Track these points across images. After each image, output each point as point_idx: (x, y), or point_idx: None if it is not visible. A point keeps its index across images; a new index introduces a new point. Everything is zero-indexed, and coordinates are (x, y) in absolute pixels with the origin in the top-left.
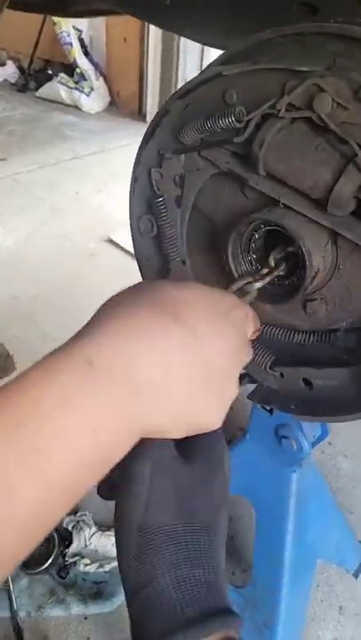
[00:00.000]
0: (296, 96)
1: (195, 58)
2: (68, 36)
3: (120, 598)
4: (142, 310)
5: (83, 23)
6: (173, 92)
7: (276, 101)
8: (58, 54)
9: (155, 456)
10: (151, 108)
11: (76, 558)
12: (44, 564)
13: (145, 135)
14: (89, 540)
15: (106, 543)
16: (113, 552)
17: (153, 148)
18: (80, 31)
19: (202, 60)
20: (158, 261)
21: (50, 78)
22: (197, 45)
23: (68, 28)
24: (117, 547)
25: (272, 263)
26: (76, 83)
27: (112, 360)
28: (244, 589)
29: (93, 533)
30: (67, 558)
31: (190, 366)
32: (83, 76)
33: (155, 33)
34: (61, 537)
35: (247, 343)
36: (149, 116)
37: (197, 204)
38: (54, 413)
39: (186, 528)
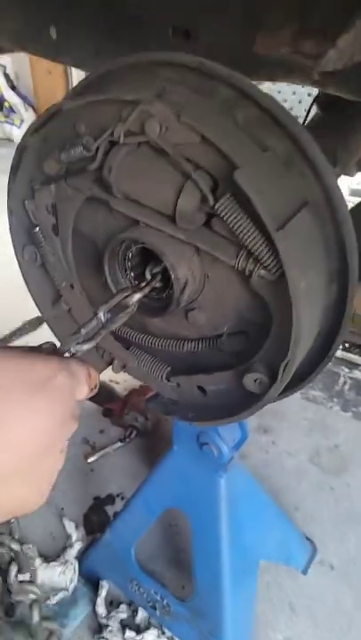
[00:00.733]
0: (131, 123)
1: None
2: None
3: (71, 628)
4: None
5: (5, 58)
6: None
7: (113, 129)
8: None
9: None
10: None
11: (21, 596)
12: None
13: (11, 169)
14: (35, 573)
15: (52, 574)
16: (60, 583)
17: (23, 180)
18: (4, 67)
19: None
20: (49, 288)
21: None
22: None
23: None
24: None
25: (148, 276)
26: (6, 116)
27: None
28: (188, 601)
29: (38, 566)
30: (12, 596)
31: None
32: (12, 110)
33: None
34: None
35: (71, 411)
36: None
37: (78, 229)
38: None
39: None
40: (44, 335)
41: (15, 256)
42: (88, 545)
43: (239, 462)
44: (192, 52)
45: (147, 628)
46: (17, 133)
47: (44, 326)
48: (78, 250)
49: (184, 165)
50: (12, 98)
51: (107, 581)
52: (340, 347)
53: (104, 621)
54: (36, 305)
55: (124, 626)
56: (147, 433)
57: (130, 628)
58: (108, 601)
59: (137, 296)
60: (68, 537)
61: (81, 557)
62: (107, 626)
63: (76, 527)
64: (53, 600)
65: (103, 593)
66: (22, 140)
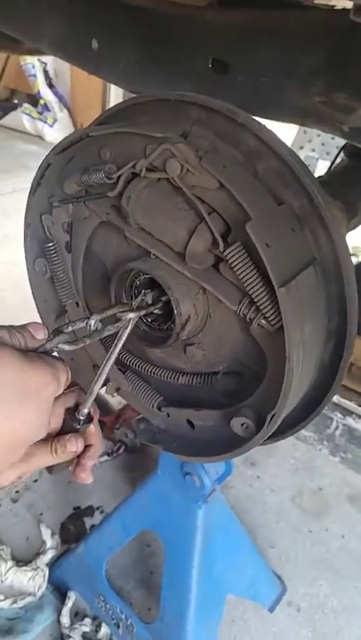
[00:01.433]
0: (154, 159)
1: None
2: (33, 67)
3: (32, 634)
4: None
5: (48, 56)
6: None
7: (136, 162)
8: (23, 85)
9: None
10: None
11: None
12: None
13: (32, 185)
14: (5, 574)
15: (22, 578)
16: (29, 587)
17: (43, 195)
18: (45, 64)
19: None
20: (54, 302)
21: (15, 108)
22: None
23: (33, 60)
24: None
25: (149, 301)
26: (40, 113)
27: None
28: (152, 625)
29: (10, 568)
30: None
31: None
32: (46, 107)
33: None
34: None
35: (47, 420)
36: None
37: (91, 248)
38: None
39: None
40: None
41: (26, 266)
42: (61, 554)
43: (220, 495)
44: (229, 86)
45: None
46: (48, 132)
47: None
48: (88, 268)
49: (199, 207)
50: (48, 96)
51: (74, 592)
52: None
53: (67, 632)
54: (40, 316)
55: (86, 639)
56: (135, 450)
57: None
58: (73, 612)
59: (132, 315)
60: (43, 543)
61: (52, 565)
62: (69, 637)
63: (52, 535)
64: (20, 604)
65: (69, 604)
66: (47, 157)
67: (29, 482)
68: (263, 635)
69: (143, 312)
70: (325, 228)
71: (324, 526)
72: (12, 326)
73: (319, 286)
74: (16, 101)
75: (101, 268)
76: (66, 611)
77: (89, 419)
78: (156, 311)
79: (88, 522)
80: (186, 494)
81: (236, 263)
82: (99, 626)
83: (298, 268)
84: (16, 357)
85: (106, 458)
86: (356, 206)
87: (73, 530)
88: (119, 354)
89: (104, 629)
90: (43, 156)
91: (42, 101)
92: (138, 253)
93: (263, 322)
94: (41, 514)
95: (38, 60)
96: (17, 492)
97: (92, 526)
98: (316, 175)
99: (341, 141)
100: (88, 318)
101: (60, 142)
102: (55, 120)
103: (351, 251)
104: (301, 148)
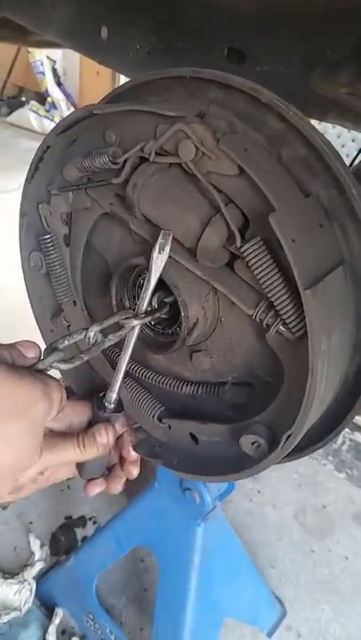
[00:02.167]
0: (165, 140)
1: None
2: (42, 65)
3: None
4: None
5: (57, 54)
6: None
7: (145, 144)
8: (31, 82)
9: None
10: None
11: None
12: None
13: (29, 170)
14: None
15: (8, 592)
16: (14, 602)
17: (41, 181)
18: (54, 61)
19: None
20: (50, 300)
21: (22, 105)
22: None
23: (42, 57)
24: None
25: (155, 305)
26: (47, 111)
27: None
28: None
29: None
30: None
31: None
32: (54, 106)
33: None
34: None
35: (39, 443)
36: None
37: (91, 242)
38: None
39: None
40: None
41: (20, 261)
42: (50, 566)
43: (220, 512)
44: (245, 77)
45: None
46: None
47: None
48: (87, 264)
49: (215, 196)
50: (56, 94)
51: (62, 609)
52: None
53: None
54: (34, 315)
55: None
56: None
57: None
58: (60, 630)
59: (136, 322)
60: (32, 554)
61: (40, 578)
62: None
63: (41, 546)
64: (4, 619)
65: (57, 621)
66: (47, 138)
67: None
68: None
69: (148, 319)
70: (357, 224)
71: (327, 546)
72: None
73: (348, 291)
74: (23, 98)
75: (102, 264)
76: (53, 629)
77: (118, 408)
78: (163, 315)
79: (80, 533)
80: (185, 511)
81: (254, 261)
82: None
83: (325, 268)
84: (5, 376)
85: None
86: None
87: (63, 541)
88: (115, 358)
89: None
90: None
91: (49, 99)
92: (143, 248)
93: (282, 328)
94: (31, 522)
95: (47, 57)
96: None
97: (84, 538)
98: None
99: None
100: (86, 330)
101: (62, 121)
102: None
103: None
104: None
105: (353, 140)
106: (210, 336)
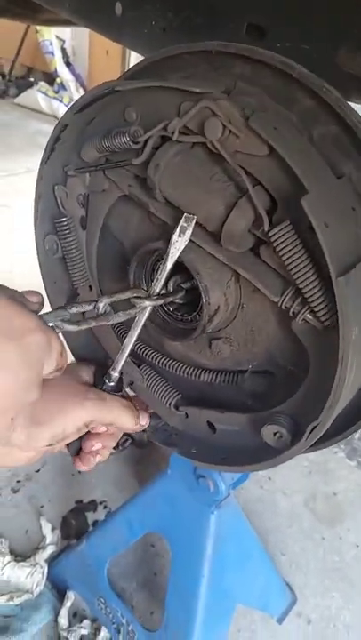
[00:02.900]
0: (189, 118)
1: None
2: (50, 44)
3: (28, 634)
4: None
5: (66, 33)
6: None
7: (168, 123)
8: (40, 62)
9: None
10: None
11: None
12: None
13: (45, 150)
14: (2, 569)
15: (20, 574)
16: (26, 584)
17: (57, 162)
18: (63, 41)
19: None
20: (65, 284)
21: (30, 85)
22: None
23: (51, 36)
24: None
25: (171, 288)
26: (56, 92)
27: None
28: (155, 633)
29: (7, 563)
30: None
31: None
32: (63, 86)
33: None
34: None
35: (37, 378)
36: None
37: (108, 225)
38: None
39: None
40: None
41: (35, 244)
42: (61, 550)
43: (233, 499)
44: None
45: None
46: (64, 111)
47: None
48: (103, 248)
49: (243, 178)
50: (65, 74)
51: (74, 592)
52: None
53: (64, 634)
54: (49, 299)
55: None
56: (142, 445)
57: None
58: (71, 612)
59: (147, 303)
60: (43, 538)
61: (52, 562)
62: (66, 639)
63: (53, 529)
64: (16, 601)
65: (68, 604)
66: (64, 116)
67: (31, 471)
68: None
69: (161, 301)
70: None
71: (338, 534)
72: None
73: None
74: (32, 79)
75: (119, 248)
76: (64, 611)
77: (119, 386)
78: (177, 300)
79: (90, 517)
80: (198, 498)
81: (283, 246)
82: (98, 629)
83: (358, 254)
84: None
85: (111, 451)
86: None
87: (74, 525)
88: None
89: (103, 633)
90: None
91: (58, 80)
92: (163, 232)
93: (310, 317)
94: (42, 506)
95: (56, 37)
96: (18, 481)
97: (95, 522)
98: None
99: None
100: (96, 301)
101: (80, 99)
102: (71, 99)
103: None
104: None
105: None
106: (230, 323)
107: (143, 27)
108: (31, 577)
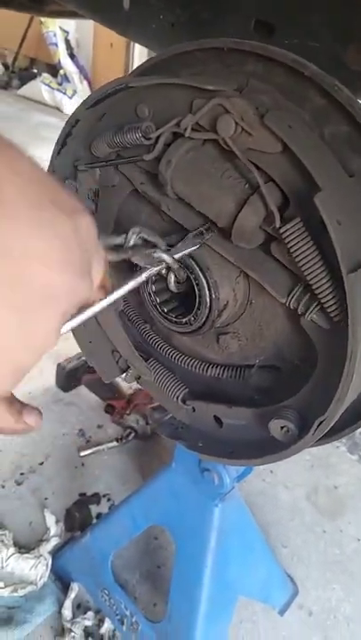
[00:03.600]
0: (202, 115)
1: None
2: (54, 36)
3: (32, 625)
4: None
5: (70, 25)
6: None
7: (181, 119)
8: (43, 54)
9: None
10: None
11: None
12: None
13: (56, 144)
14: (6, 561)
15: (24, 566)
16: (30, 576)
17: (68, 156)
18: (67, 32)
19: None
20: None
21: (34, 77)
22: None
23: (55, 28)
24: None
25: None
26: (60, 84)
27: None
28: (158, 624)
29: (11, 555)
30: None
31: None
32: (66, 78)
33: None
34: None
35: (88, 269)
36: None
37: (118, 219)
38: None
39: None
40: None
41: None
42: (65, 542)
43: (237, 492)
44: None
45: None
46: (67, 104)
47: None
48: None
49: (255, 174)
50: (68, 66)
51: (77, 584)
52: None
53: (68, 625)
54: None
55: (88, 634)
56: (145, 438)
57: (93, 638)
58: (75, 604)
59: (166, 257)
60: (47, 530)
61: (55, 554)
62: (70, 631)
63: (57, 522)
64: (21, 592)
65: (72, 595)
66: (76, 111)
67: (35, 464)
68: (272, 638)
69: (177, 265)
70: None
71: (338, 527)
72: None
73: None
74: (35, 71)
75: None
76: (68, 603)
77: None
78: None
79: (94, 510)
80: (202, 491)
81: (294, 243)
82: (102, 620)
83: None
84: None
85: (115, 444)
86: None
87: (78, 517)
88: (143, 334)
89: (107, 624)
90: (60, 128)
91: (62, 72)
92: (172, 228)
93: (319, 313)
94: (46, 498)
95: (60, 28)
96: (22, 473)
97: (99, 514)
98: None
99: None
100: (127, 233)
101: (93, 94)
102: (75, 92)
103: None
104: None
105: None
106: (238, 318)
107: (151, 21)
108: (35, 569)
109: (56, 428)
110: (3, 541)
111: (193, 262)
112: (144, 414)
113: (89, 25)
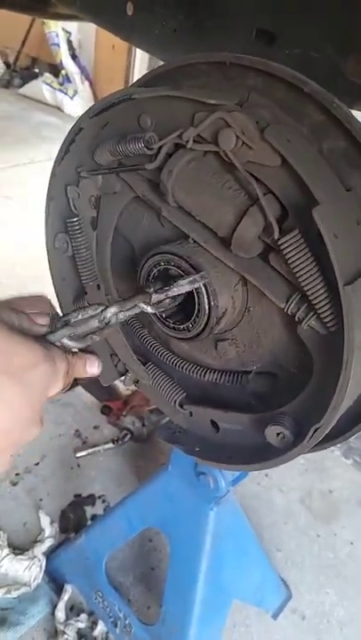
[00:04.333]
0: (204, 128)
1: None
2: (57, 36)
3: (26, 627)
4: None
5: (72, 26)
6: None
7: (183, 131)
8: (45, 53)
9: None
10: None
11: None
12: None
13: (59, 151)
14: (0, 562)
15: (18, 567)
16: (24, 577)
17: (70, 163)
18: (69, 33)
19: None
20: (74, 282)
21: (35, 77)
22: None
23: (57, 28)
24: None
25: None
26: (61, 84)
27: None
28: (152, 627)
29: (5, 556)
30: None
31: None
32: (68, 79)
33: None
34: None
35: (38, 413)
36: None
37: (118, 226)
38: None
39: None
40: None
41: (45, 242)
42: (60, 543)
43: (232, 496)
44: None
45: None
46: (68, 104)
47: None
48: (112, 248)
49: (255, 186)
50: (70, 67)
51: (71, 586)
52: None
53: (61, 627)
54: (57, 297)
55: (81, 636)
56: (141, 439)
57: None
58: (68, 606)
59: (150, 310)
60: (41, 531)
61: (50, 555)
62: (63, 632)
63: (51, 523)
64: (14, 594)
65: (66, 597)
66: (80, 120)
67: (30, 464)
68: None
69: (162, 309)
70: None
71: (332, 531)
72: (8, 300)
73: None
74: (37, 70)
75: (127, 249)
76: (62, 605)
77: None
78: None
79: (89, 511)
80: (198, 494)
81: (292, 254)
82: (95, 623)
83: None
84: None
85: (110, 445)
86: None
87: (73, 518)
88: (141, 338)
89: (100, 627)
90: (61, 128)
91: (63, 72)
92: (171, 235)
93: (315, 323)
94: (41, 499)
95: (63, 29)
96: (17, 474)
97: (93, 516)
98: None
99: None
100: (105, 308)
101: (97, 104)
102: (76, 92)
103: None
104: None
105: None
106: (237, 325)
107: (154, 27)
108: (29, 570)
109: (52, 429)
110: None
111: (193, 271)
112: (140, 416)
113: (91, 26)
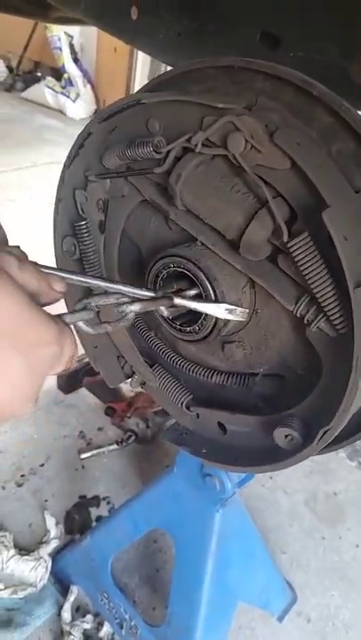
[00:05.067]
0: (212, 132)
1: None
2: (59, 40)
3: (32, 627)
4: None
5: (74, 29)
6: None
7: (192, 135)
8: (47, 57)
9: None
10: None
11: None
12: None
13: (68, 156)
14: (6, 562)
15: (24, 568)
16: (30, 578)
17: (78, 168)
18: (71, 37)
19: None
20: (81, 286)
21: (37, 80)
22: None
23: (60, 32)
24: None
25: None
26: (63, 88)
27: None
28: (157, 628)
29: (11, 556)
30: None
31: None
32: (70, 82)
33: None
34: None
35: (37, 391)
36: None
37: (125, 229)
38: None
39: None
40: None
41: (53, 245)
42: (65, 544)
43: (238, 498)
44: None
45: None
46: (70, 107)
47: None
48: (120, 251)
49: (264, 190)
50: (72, 70)
51: (77, 587)
52: None
53: (67, 628)
54: (65, 302)
55: (87, 637)
56: (145, 441)
57: None
58: (74, 607)
59: (166, 314)
60: (47, 532)
61: (55, 556)
62: (69, 633)
63: (57, 524)
64: (20, 594)
65: (71, 598)
66: (88, 125)
67: (36, 466)
68: None
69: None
70: None
71: (338, 533)
72: (27, 259)
73: None
74: (39, 74)
75: (134, 252)
76: (68, 606)
77: None
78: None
79: (94, 512)
80: (204, 496)
81: (301, 257)
82: (101, 624)
83: None
84: (18, 295)
85: (115, 446)
86: None
87: (78, 520)
88: (148, 341)
89: (106, 628)
90: (63, 131)
91: (66, 75)
92: (179, 238)
93: (325, 324)
94: (46, 500)
95: (65, 33)
96: (22, 475)
97: (98, 517)
98: None
99: None
100: (126, 303)
101: (105, 109)
102: (78, 95)
103: None
104: None
105: None
106: (244, 327)
107: (158, 31)
108: (35, 571)
109: (56, 430)
110: (3, 543)
111: (201, 273)
112: (145, 417)
113: (93, 30)
